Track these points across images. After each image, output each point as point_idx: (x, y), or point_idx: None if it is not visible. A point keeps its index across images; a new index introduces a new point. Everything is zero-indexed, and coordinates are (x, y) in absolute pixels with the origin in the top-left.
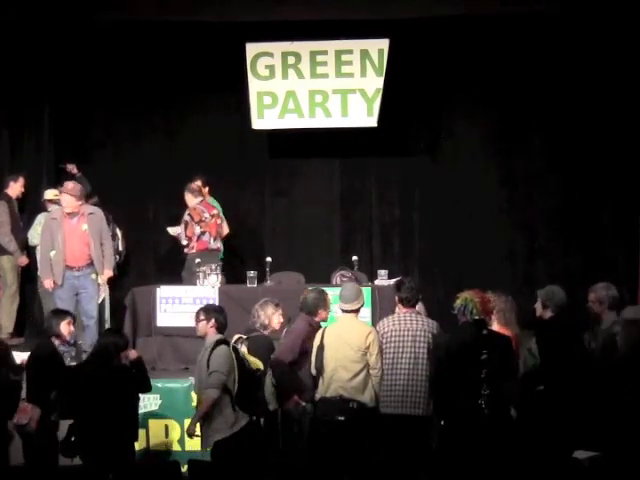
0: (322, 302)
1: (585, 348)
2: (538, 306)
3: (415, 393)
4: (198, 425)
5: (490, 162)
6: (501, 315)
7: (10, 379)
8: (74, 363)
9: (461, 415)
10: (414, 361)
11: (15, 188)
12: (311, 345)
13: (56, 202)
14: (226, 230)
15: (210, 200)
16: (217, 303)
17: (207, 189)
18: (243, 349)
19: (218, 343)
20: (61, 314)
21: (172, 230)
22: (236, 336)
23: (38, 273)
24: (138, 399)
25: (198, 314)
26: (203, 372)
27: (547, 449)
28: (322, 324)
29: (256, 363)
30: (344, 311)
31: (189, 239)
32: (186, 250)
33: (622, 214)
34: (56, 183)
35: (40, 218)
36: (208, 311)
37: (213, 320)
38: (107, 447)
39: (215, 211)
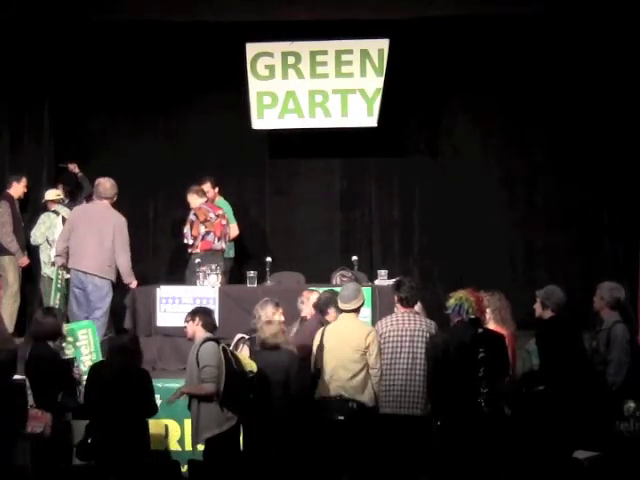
0: (333, 302)
1: (585, 348)
2: (537, 306)
3: (413, 393)
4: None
5: (490, 162)
6: (497, 314)
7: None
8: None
9: (460, 413)
10: (412, 361)
11: (18, 188)
12: None
13: (58, 202)
14: (235, 232)
15: (218, 201)
16: (217, 303)
17: (217, 190)
18: (245, 349)
19: (206, 340)
20: (59, 313)
21: None
22: (238, 336)
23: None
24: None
25: (186, 316)
26: (194, 371)
27: (547, 449)
28: None
29: (251, 364)
30: (344, 311)
31: (194, 238)
32: (190, 250)
33: (622, 214)
34: (56, 183)
35: (44, 218)
36: (194, 312)
37: (198, 319)
38: (123, 449)
39: (220, 212)
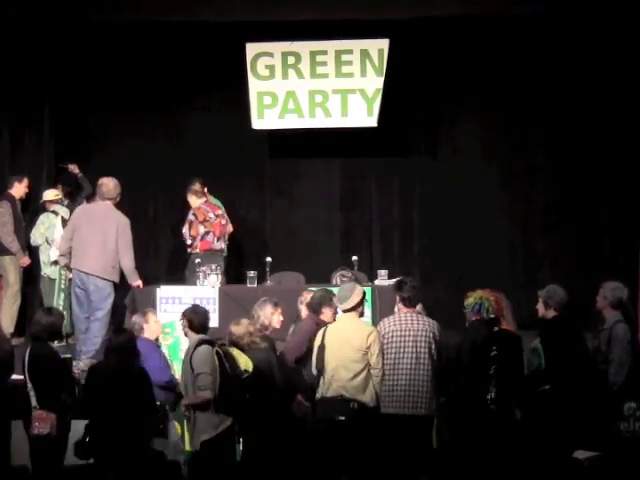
0: (326, 301)
1: (587, 347)
2: (540, 306)
3: (417, 393)
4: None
5: (490, 162)
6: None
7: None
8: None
9: (467, 411)
10: (416, 361)
11: (19, 189)
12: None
13: (56, 202)
14: (230, 229)
15: (213, 200)
16: (217, 303)
17: (206, 190)
18: None
19: (200, 343)
20: (59, 314)
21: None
22: None
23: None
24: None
25: (180, 315)
26: (188, 376)
27: (549, 449)
28: None
29: (246, 363)
30: (343, 310)
31: (193, 238)
32: (189, 250)
33: (622, 214)
34: (56, 183)
35: (43, 218)
36: (185, 311)
37: (186, 320)
38: (122, 448)
39: (219, 211)
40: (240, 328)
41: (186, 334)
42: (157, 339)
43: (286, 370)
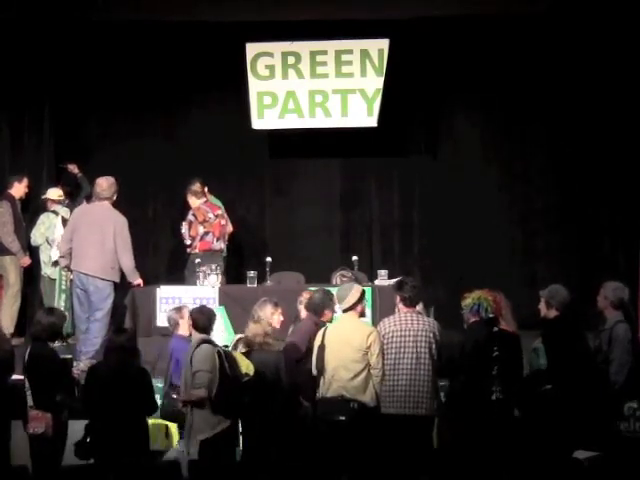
0: (328, 302)
1: (589, 347)
2: (542, 306)
3: (417, 393)
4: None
5: (490, 162)
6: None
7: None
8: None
9: (471, 412)
10: (416, 361)
11: (19, 188)
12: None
13: (58, 202)
14: (230, 228)
15: (213, 200)
16: (217, 303)
17: (206, 189)
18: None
19: (201, 342)
20: (60, 314)
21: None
22: (237, 337)
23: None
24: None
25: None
26: (187, 371)
27: (549, 448)
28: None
29: (247, 366)
30: (342, 310)
31: (192, 239)
32: (189, 250)
33: (622, 214)
34: (57, 182)
35: (43, 218)
36: (191, 310)
37: (189, 318)
38: (122, 448)
39: (219, 211)
40: (257, 327)
41: (190, 333)
42: (190, 335)
43: (289, 370)
